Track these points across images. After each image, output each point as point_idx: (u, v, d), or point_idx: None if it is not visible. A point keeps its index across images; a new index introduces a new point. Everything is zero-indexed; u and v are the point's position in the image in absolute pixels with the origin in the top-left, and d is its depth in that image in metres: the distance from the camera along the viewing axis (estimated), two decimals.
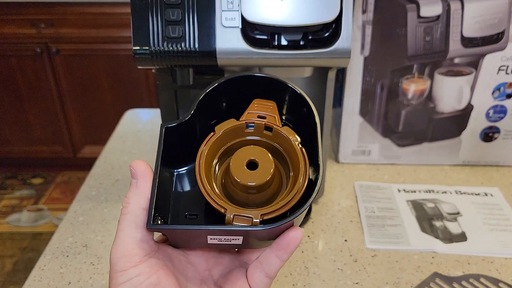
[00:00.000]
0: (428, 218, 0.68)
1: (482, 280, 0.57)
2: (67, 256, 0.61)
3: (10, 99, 2.10)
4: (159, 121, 0.69)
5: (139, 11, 0.51)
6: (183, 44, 0.51)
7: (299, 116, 0.38)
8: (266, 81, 0.38)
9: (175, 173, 0.38)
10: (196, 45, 0.51)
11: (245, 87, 0.38)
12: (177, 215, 0.36)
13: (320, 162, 0.34)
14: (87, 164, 0.94)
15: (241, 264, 0.37)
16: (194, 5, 0.50)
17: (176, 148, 0.37)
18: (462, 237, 0.64)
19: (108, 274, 0.58)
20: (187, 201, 0.37)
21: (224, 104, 0.39)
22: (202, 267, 0.36)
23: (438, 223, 0.67)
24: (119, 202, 0.72)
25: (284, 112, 0.39)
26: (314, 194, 0.32)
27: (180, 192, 0.37)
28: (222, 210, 0.31)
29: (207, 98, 0.37)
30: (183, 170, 0.38)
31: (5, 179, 2.31)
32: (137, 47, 0.51)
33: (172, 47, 0.51)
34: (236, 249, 0.38)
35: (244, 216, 0.31)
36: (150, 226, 0.31)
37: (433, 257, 0.61)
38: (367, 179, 0.78)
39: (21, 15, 1.90)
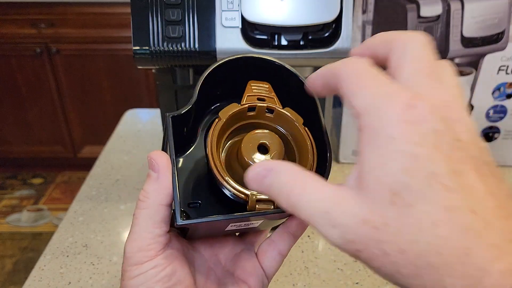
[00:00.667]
0: None
1: None
2: (67, 256, 0.61)
3: (10, 99, 2.10)
4: (159, 121, 0.68)
5: (139, 11, 0.51)
6: (183, 44, 0.51)
7: (297, 97, 0.37)
8: (261, 62, 0.38)
9: (180, 159, 0.37)
10: (196, 45, 0.51)
11: (239, 69, 0.38)
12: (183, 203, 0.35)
13: (326, 139, 0.34)
14: (87, 164, 0.94)
15: (246, 246, 0.37)
16: (194, 5, 0.50)
17: (178, 137, 0.36)
18: None
19: (108, 274, 0.58)
20: (186, 189, 0.36)
21: (221, 89, 0.39)
22: (208, 253, 0.36)
23: None
24: (119, 202, 0.72)
25: (281, 93, 0.38)
26: (328, 169, 0.33)
27: (178, 181, 0.36)
28: (244, 196, 0.30)
29: (205, 83, 0.37)
30: (179, 157, 0.37)
31: (5, 179, 2.31)
32: (137, 47, 0.51)
33: (172, 47, 0.51)
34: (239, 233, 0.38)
35: (265, 200, 0.30)
36: (180, 222, 0.30)
37: None
38: None
39: (21, 15, 1.90)
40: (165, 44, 0.51)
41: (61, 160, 2.28)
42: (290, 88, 0.38)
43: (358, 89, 0.22)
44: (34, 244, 1.90)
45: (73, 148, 2.22)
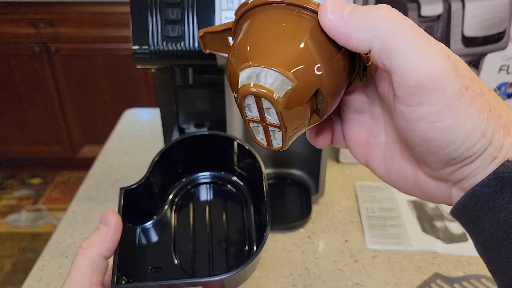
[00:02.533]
0: (429, 219, 0.68)
1: (483, 280, 0.57)
2: (66, 256, 0.61)
3: (9, 99, 2.09)
4: (159, 121, 0.68)
5: (138, 11, 0.50)
6: (182, 44, 0.51)
7: (247, 165, 0.44)
8: (216, 138, 0.43)
9: (138, 229, 0.42)
10: (196, 45, 0.51)
11: (196, 144, 0.43)
12: (142, 267, 0.39)
13: (268, 204, 0.38)
14: (86, 164, 0.93)
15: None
16: (193, 4, 0.50)
17: (137, 207, 0.40)
18: (463, 238, 0.64)
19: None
20: (151, 254, 0.40)
21: (179, 163, 0.45)
22: None
23: (439, 224, 0.67)
24: None
25: (235, 163, 0.45)
26: (266, 234, 0.36)
27: (144, 246, 0.41)
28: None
29: (161, 159, 0.42)
30: (147, 225, 0.42)
31: (4, 179, 2.31)
32: (137, 47, 0.51)
33: (172, 47, 0.51)
34: None
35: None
36: (115, 286, 0.33)
37: (434, 258, 0.61)
38: (367, 179, 0.78)
39: (20, 15, 1.90)
40: (164, 43, 0.51)
41: (60, 160, 2.27)
42: (240, 158, 0.44)
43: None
44: (33, 245, 1.89)
45: (72, 148, 2.21)
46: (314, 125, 0.27)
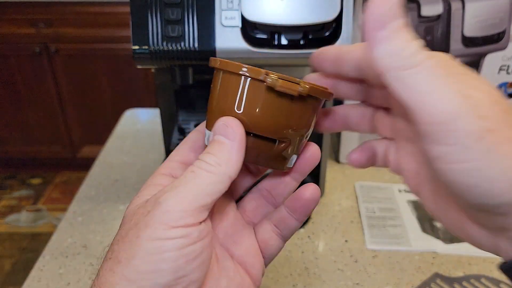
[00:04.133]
0: (429, 219, 0.68)
1: (483, 280, 0.57)
2: (66, 256, 0.61)
3: (9, 99, 2.09)
4: (159, 121, 0.68)
5: (138, 10, 0.50)
6: (182, 44, 0.51)
7: None
8: None
9: None
10: (196, 45, 0.51)
11: None
12: None
13: None
14: (86, 164, 0.93)
15: (247, 223, 0.33)
16: (193, 4, 0.50)
17: None
18: None
19: None
20: None
21: None
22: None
23: (439, 224, 0.67)
24: (118, 202, 0.72)
25: None
26: None
27: None
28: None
29: None
30: None
31: (4, 179, 2.31)
32: (137, 47, 0.51)
33: (172, 47, 0.51)
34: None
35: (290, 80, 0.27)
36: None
37: (434, 258, 0.61)
38: (367, 179, 0.78)
39: (20, 15, 1.90)
40: (164, 43, 0.51)
41: (60, 160, 2.27)
42: None
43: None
44: (33, 245, 1.89)
45: (72, 148, 2.21)
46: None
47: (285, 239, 0.33)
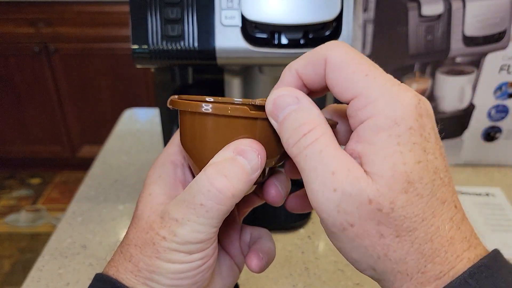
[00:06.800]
0: None
1: None
2: (66, 257, 0.61)
3: (8, 99, 2.09)
4: (158, 121, 0.68)
5: (137, 10, 0.50)
6: (182, 43, 0.51)
7: None
8: None
9: None
10: (196, 44, 0.51)
11: None
12: None
13: None
14: (86, 164, 0.93)
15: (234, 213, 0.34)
16: (193, 3, 0.50)
17: None
18: None
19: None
20: None
21: None
22: None
23: None
24: (118, 202, 0.72)
25: None
26: None
27: None
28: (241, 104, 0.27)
29: None
30: None
31: (4, 179, 2.31)
32: (136, 46, 0.51)
33: (171, 46, 0.51)
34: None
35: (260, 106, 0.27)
36: None
37: None
38: None
39: (20, 14, 1.90)
40: (164, 43, 0.50)
41: (59, 160, 2.27)
42: None
43: (363, 76, 0.22)
44: (32, 245, 1.89)
45: (72, 148, 2.21)
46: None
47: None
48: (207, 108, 0.25)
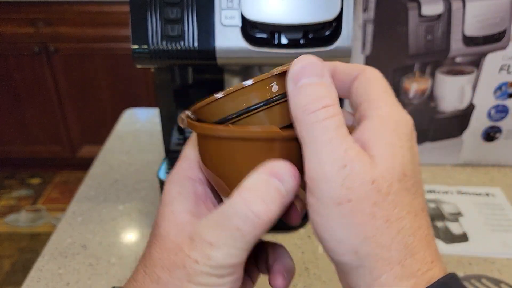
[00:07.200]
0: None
1: (483, 280, 0.57)
2: (66, 256, 0.61)
3: (8, 99, 2.09)
4: (158, 121, 0.68)
5: (138, 10, 0.50)
6: (182, 43, 0.50)
7: None
8: None
9: None
10: (196, 44, 0.51)
11: None
12: None
13: None
14: (86, 164, 0.93)
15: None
16: (193, 3, 0.50)
17: None
18: (463, 238, 0.64)
19: (106, 274, 0.58)
20: None
21: None
22: None
23: (439, 224, 0.66)
24: (118, 202, 0.72)
25: None
26: None
27: None
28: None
29: None
30: None
31: (3, 179, 2.31)
32: (136, 46, 0.51)
33: (171, 46, 0.51)
34: None
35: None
36: None
37: None
38: None
39: (20, 14, 1.90)
40: (164, 43, 0.50)
41: (59, 160, 2.27)
42: None
43: (382, 92, 0.26)
44: (32, 245, 1.89)
45: (72, 148, 2.21)
46: None
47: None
48: (231, 135, 0.25)
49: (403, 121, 0.24)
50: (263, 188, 0.24)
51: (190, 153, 0.29)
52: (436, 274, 0.23)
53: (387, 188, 0.22)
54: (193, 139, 0.29)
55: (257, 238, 0.24)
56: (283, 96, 0.25)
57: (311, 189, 0.23)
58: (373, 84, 0.26)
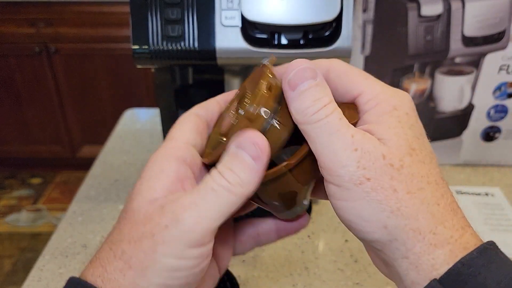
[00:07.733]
0: None
1: None
2: (66, 256, 0.61)
3: (8, 99, 2.09)
4: (159, 121, 0.68)
5: (138, 10, 0.50)
6: (182, 43, 0.51)
7: None
8: None
9: None
10: (196, 44, 0.51)
11: None
12: None
13: None
14: (86, 164, 0.93)
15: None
16: (193, 4, 0.50)
17: None
18: None
19: None
20: None
21: None
22: None
23: None
24: (118, 202, 0.72)
25: None
26: None
27: None
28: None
29: None
30: None
31: (4, 179, 2.31)
32: (137, 46, 0.51)
33: (172, 46, 0.51)
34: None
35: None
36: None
37: None
38: None
39: (20, 14, 1.90)
40: (164, 43, 0.51)
41: (60, 160, 2.27)
42: None
43: (364, 79, 0.27)
44: (33, 244, 1.89)
45: (72, 148, 2.21)
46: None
47: (260, 244, 0.34)
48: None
49: (399, 102, 0.26)
50: (231, 159, 0.26)
51: (178, 134, 0.29)
52: (470, 240, 0.24)
53: (399, 162, 0.24)
54: (181, 121, 0.30)
55: (230, 205, 0.25)
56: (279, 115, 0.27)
57: (330, 180, 0.25)
58: (350, 76, 0.28)
